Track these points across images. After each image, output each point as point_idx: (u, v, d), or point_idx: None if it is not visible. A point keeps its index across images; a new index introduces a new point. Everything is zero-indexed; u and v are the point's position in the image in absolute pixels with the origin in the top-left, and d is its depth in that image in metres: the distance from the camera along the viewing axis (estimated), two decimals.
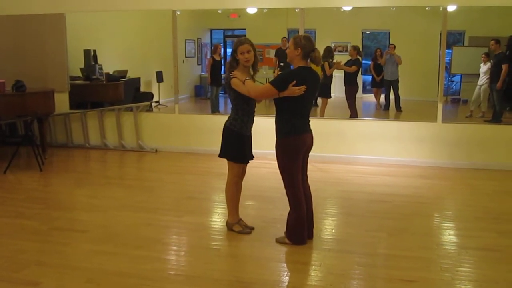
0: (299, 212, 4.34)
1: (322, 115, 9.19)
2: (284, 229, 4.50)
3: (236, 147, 4.56)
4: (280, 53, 11.29)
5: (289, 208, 4.42)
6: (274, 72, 12.43)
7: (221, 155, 4.67)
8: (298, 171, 4.34)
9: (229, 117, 4.59)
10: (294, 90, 4.11)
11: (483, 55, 11.03)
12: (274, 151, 4.38)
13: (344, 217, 5.31)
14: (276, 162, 4.37)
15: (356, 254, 4.25)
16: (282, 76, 4.37)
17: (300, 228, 4.38)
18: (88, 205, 5.68)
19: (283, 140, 4.30)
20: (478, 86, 11.22)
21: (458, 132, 7.51)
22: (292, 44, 4.22)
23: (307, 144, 4.37)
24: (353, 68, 9.54)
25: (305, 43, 4.20)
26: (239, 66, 4.44)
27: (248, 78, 4.39)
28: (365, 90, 12.43)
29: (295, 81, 4.11)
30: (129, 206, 5.60)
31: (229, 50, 18.04)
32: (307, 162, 4.53)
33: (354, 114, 9.92)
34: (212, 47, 11.77)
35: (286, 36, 13.64)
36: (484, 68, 10.95)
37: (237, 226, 4.73)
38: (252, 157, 4.72)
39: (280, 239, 4.49)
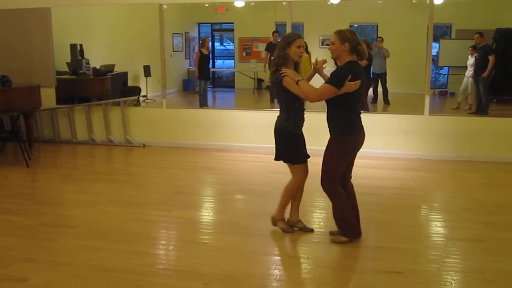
0: (342, 206, 4.27)
1: None
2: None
3: (293, 148, 4.34)
4: (271, 47, 11.25)
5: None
6: (265, 66, 12.40)
7: (278, 158, 4.42)
8: (343, 170, 4.25)
9: (279, 118, 4.35)
10: (351, 85, 3.98)
11: (470, 48, 11.10)
12: (325, 146, 4.23)
13: (331, 210, 5.32)
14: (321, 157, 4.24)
15: (344, 246, 4.27)
16: (338, 73, 4.07)
17: (350, 220, 4.32)
18: (76, 201, 5.65)
19: (341, 138, 4.17)
20: (466, 78, 11.30)
21: (445, 124, 7.56)
22: (338, 39, 4.07)
23: (362, 142, 4.25)
24: (364, 62, 9.69)
25: (352, 37, 4.09)
26: (288, 63, 4.24)
27: (300, 78, 4.19)
28: None
29: (350, 76, 3.98)
30: (117, 201, 5.58)
31: (217, 44, 18.03)
32: (354, 161, 4.40)
33: (365, 108, 10.01)
34: (200, 41, 11.70)
35: (276, 30, 13.63)
36: (471, 60, 11.02)
37: (281, 223, 4.56)
38: (308, 156, 4.44)
39: (335, 239, 4.36)
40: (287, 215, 4.63)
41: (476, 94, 10.74)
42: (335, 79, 4.03)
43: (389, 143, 7.59)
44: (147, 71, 12.99)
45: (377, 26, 15.01)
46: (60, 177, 6.77)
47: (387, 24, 14.41)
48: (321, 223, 4.87)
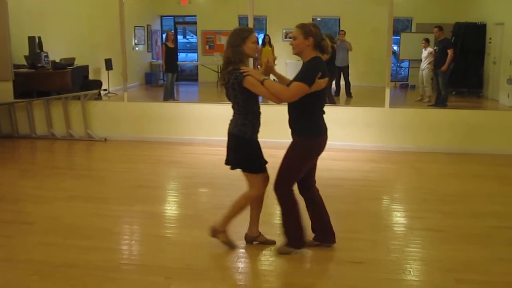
0: (291, 214, 3.94)
1: None
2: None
3: (253, 156, 3.91)
4: None
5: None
6: None
7: (235, 166, 3.97)
8: (302, 175, 3.94)
9: (234, 123, 3.88)
10: (321, 83, 3.71)
11: (424, 41, 11.33)
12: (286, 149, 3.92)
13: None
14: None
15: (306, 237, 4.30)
16: (308, 70, 3.75)
17: (296, 230, 3.97)
18: (35, 197, 5.52)
19: (307, 141, 3.86)
20: (420, 71, 11.53)
21: (405, 116, 7.69)
22: (301, 34, 3.74)
23: (325, 145, 3.96)
24: (325, 57, 9.80)
25: (316, 31, 3.77)
26: (245, 61, 3.83)
27: (266, 77, 3.79)
28: None
29: (320, 74, 3.71)
30: (78, 197, 5.48)
31: (179, 37, 17.88)
32: (316, 165, 4.15)
33: (331, 101, 10.14)
34: (166, 35, 11.62)
35: (238, 23, 13.59)
36: (425, 53, 11.26)
37: (223, 236, 4.11)
38: (266, 162, 4.01)
39: (282, 250, 4.03)
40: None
41: (435, 86, 10.98)
42: (306, 77, 3.70)
43: (351, 135, 7.68)
44: (108, 64, 12.81)
45: (340, 19, 15.17)
46: (18, 173, 6.61)
47: (349, 18, 14.59)
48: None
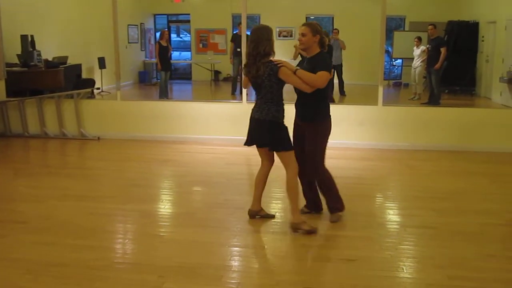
0: (333, 187, 4.59)
1: None
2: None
3: (287, 137, 4.36)
4: (237, 39, 11.20)
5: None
6: (231, 58, 12.32)
7: (279, 149, 4.35)
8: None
9: (266, 110, 4.27)
10: (331, 73, 4.32)
11: (416, 39, 11.36)
12: (307, 134, 4.45)
13: (288, 200, 5.37)
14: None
15: (299, 235, 4.31)
16: (325, 61, 4.30)
17: (338, 196, 4.63)
18: (28, 196, 5.50)
19: (324, 123, 4.44)
20: (413, 69, 11.57)
21: (398, 114, 7.71)
22: (310, 31, 4.24)
23: None
24: None
25: (321, 30, 4.30)
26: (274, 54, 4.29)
27: (297, 67, 4.26)
28: None
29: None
30: (71, 196, 5.47)
31: (173, 35, 17.85)
32: None
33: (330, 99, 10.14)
34: (160, 33, 11.64)
35: (231, 21, 13.58)
36: (417, 51, 11.30)
37: (305, 225, 4.34)
38: None
39: (334, 218, 4.60)
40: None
41: (428, 84, 11.02)
42: (326, 66, 4.21)
43: (344, 133, 7.68)
44: (101, 63, 12.77)
45: (333, 18, 15.19)
46: (11, 172, 6.58)
47: (342, 16, 14.62)
48: (277, 214, 4.90)
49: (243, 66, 4.51)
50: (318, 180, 4.58)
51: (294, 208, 4.36)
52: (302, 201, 4.71)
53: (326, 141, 4.48)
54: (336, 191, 4.62)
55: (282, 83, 4.23)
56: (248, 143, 4.49)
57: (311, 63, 4.28)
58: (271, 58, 4.23)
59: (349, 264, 3.82)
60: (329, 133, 4.48)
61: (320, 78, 4.17)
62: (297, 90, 4.41)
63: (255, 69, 4.22)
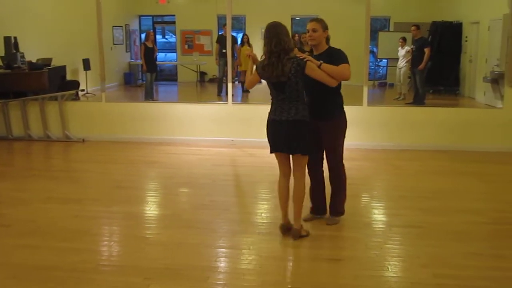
0: (345, 186, 4.62)
1: None
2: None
3: (309, 139, 4.15)
4: (222, 40, 11.18)
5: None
6: (216, 59, 12.31)
7: (305, 152, 4.15)
8: None
9: (294, 110, 4.04)
10: None
11: (401, 40, 11.43)
12: (323, 131, 4.38)
13: (275, 201, 5.33)
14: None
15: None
16: (343, 53, 4.27)
17: (345, 198, 4.67)
18: (11, 199, 5.44)
19: (342, 118, 4.46)
20: (398, 69, 11.64)
21: (383, 114, 7.75)
22: (321, 27, 4.24)
23: None
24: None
25: (327, 25, 4.31)
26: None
27: (321, 61, 4.07)
28: None
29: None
30: (55, 198, 5.42)
31: (158, 37, 17.76)
32: None
33: None
34: (145, 34, 11.60)
35: (216, 22, 13.54)
36: (402, 51, 11.37)
37: (304, 231, 4.28)
38: None
39: (332, 221, 4.60)
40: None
41: (413, 85, 11.09)
42: (346, 59, 4.20)
43: None
44: (86, 64, 12.68)
45: None
46: None
47: (327, 17, 14.56)
48: (263, 214, 4.90)
49: (261, 66, 4.11)
50: (339, 178, 4.58)
51: (300, 215, 4.26)
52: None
53: (344, 136, 4.53)
54: (345, 193, 4.64)
55: (307, 79, 4.04)
56: (278, 149, 4.17)
57: (322, 59, 4.12)
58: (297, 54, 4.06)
59: (335, 263, 3.83)
60: (346, 127, 4.50)
61: (346, 70, 4.14)
62: (309, 90, 4.18)
63: (280, 67, 3.97)
